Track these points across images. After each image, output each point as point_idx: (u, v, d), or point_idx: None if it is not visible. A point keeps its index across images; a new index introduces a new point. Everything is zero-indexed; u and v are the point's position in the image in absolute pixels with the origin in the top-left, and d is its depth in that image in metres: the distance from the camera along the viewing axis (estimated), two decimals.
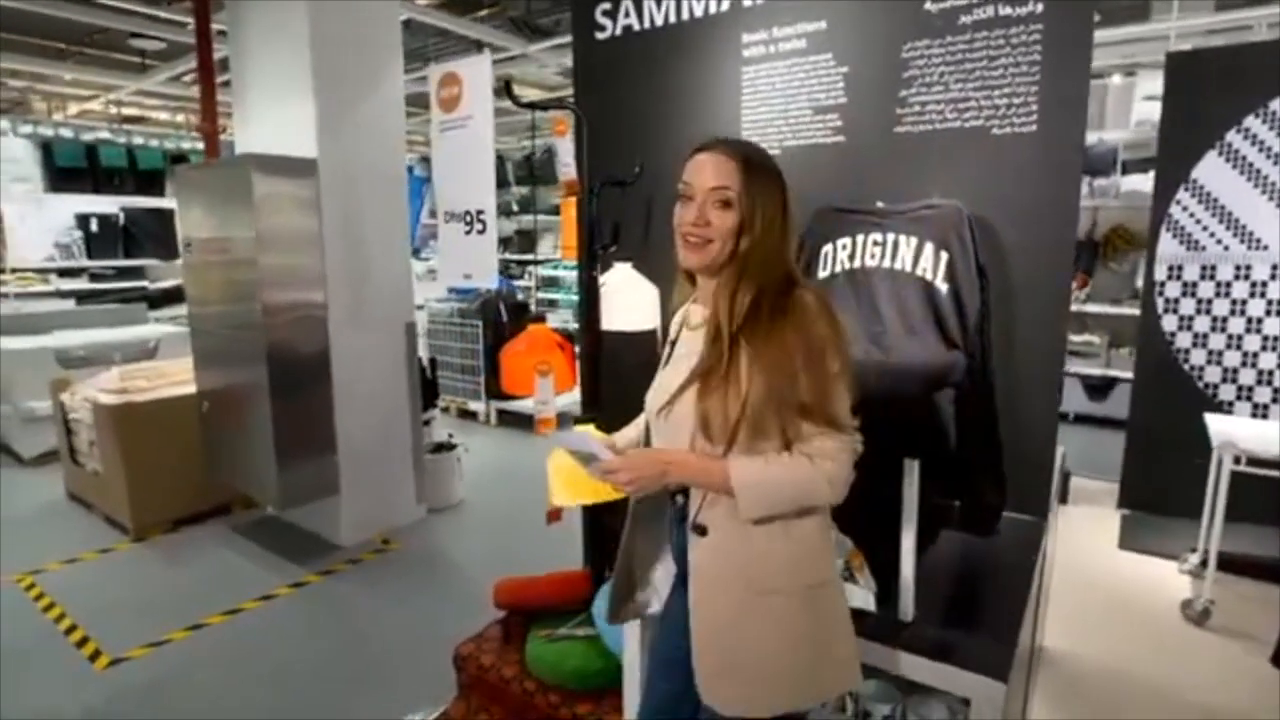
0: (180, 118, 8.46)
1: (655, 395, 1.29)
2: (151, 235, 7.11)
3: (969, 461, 1.70)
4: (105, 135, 7.12)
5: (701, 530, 1.20)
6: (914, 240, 1.72)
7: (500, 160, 8.63)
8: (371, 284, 3.55)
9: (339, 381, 3.44)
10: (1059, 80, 1.71)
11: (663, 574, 1.40)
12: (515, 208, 8.60)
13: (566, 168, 2.06)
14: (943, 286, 1.67)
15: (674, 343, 1.34)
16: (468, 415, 5.97)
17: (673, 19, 2.22)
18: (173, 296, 6.91)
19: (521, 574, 2.60)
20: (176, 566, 3.40)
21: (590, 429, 1.68)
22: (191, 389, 3.70)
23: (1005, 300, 1.77)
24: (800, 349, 1.11)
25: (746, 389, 1.12)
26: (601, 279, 2.11)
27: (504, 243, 8.72)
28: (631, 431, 1.59)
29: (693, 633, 1.21)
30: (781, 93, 2.08)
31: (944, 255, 1.68)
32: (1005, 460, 1.77)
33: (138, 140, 7.24)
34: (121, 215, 6.98)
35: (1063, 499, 3.80)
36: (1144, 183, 4.78)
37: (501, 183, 8.61)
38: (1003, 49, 1.76)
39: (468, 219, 2.08)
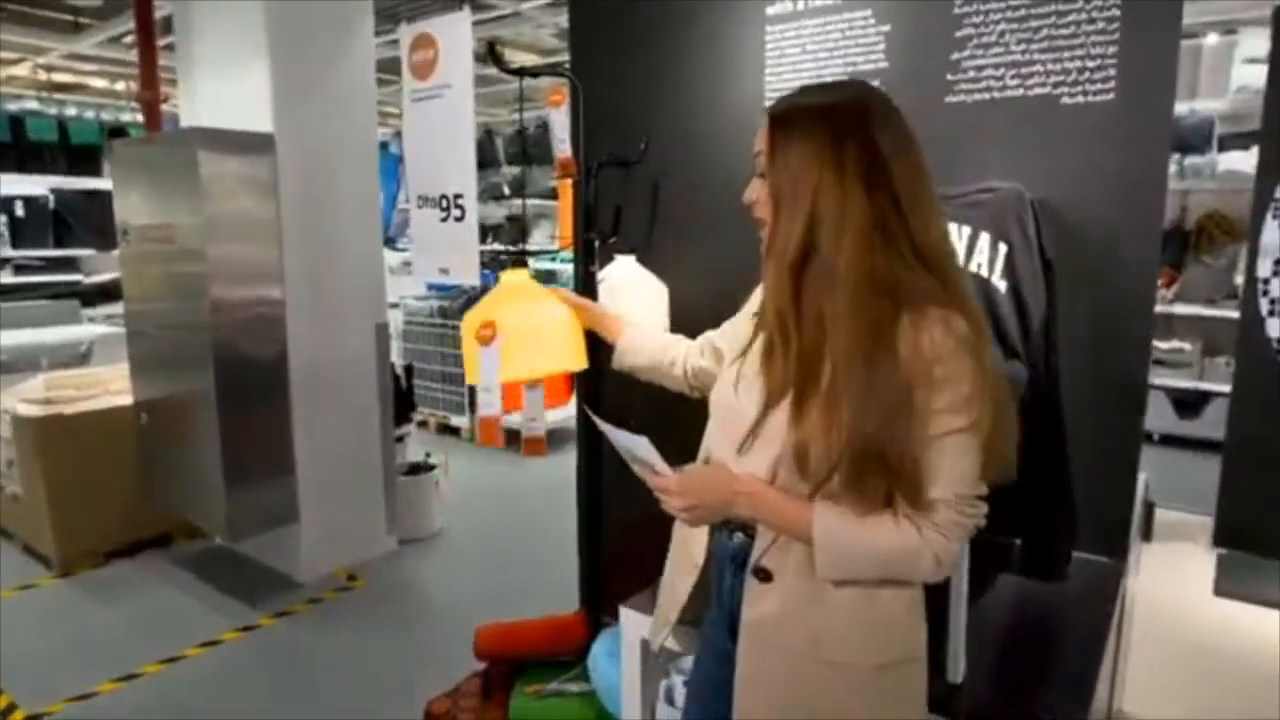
0: (120, 85, 8.55)
1: (727, 389, 1.22)
2: (86, 221, 7.17)
3: (1032, 492, 1.68)
4: (33, 105, 7.21)
5: (765, 575, 1.14)
6: (967, 230, 1.70)
7: (488, 135, 8.68)
8: (337, 278, 3.57)
9: (298, 392, 3.45)
10: (1142, 39, 1.69)
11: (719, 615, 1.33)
12: (506, 191, 8.63)
13: (562, 144, 2.06)
14: (1001, 284, 1.66)
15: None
16: (449, 431, 5.98)
17: None
18: (110, 292, 6.97)
19: (508, 616, 2.59)
20: (107, 606, 3.41)
21: (524, 275, 1.65)
22: (128, 399, 3.72)
23: (1076, 300, 1.75)
24: (902, 389, 1.00)
25: (848, 425, 1.01)
26: (600, 274, 2.11)
27: (492, 231, 8.75)
28: (649, 341, 1.55)
29: (736, 691, 1.18)
30: (812, 56, 2.06)
31: (1002, 247, 1.66)
32: (1077, 490, 1.75)
33: (70, 111, 7.33)
34: (51, 198, 7.05)
35: (1146, 535, 3.74)
36: (1245, 161, 4.74)
37: (490, 162, 8.65)
38: (1074, 2, 1.74)
39: (444, 204, 2.08)
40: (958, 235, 1.73)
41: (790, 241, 1.05)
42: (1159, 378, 5.27)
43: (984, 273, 1.68)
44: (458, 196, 2.07)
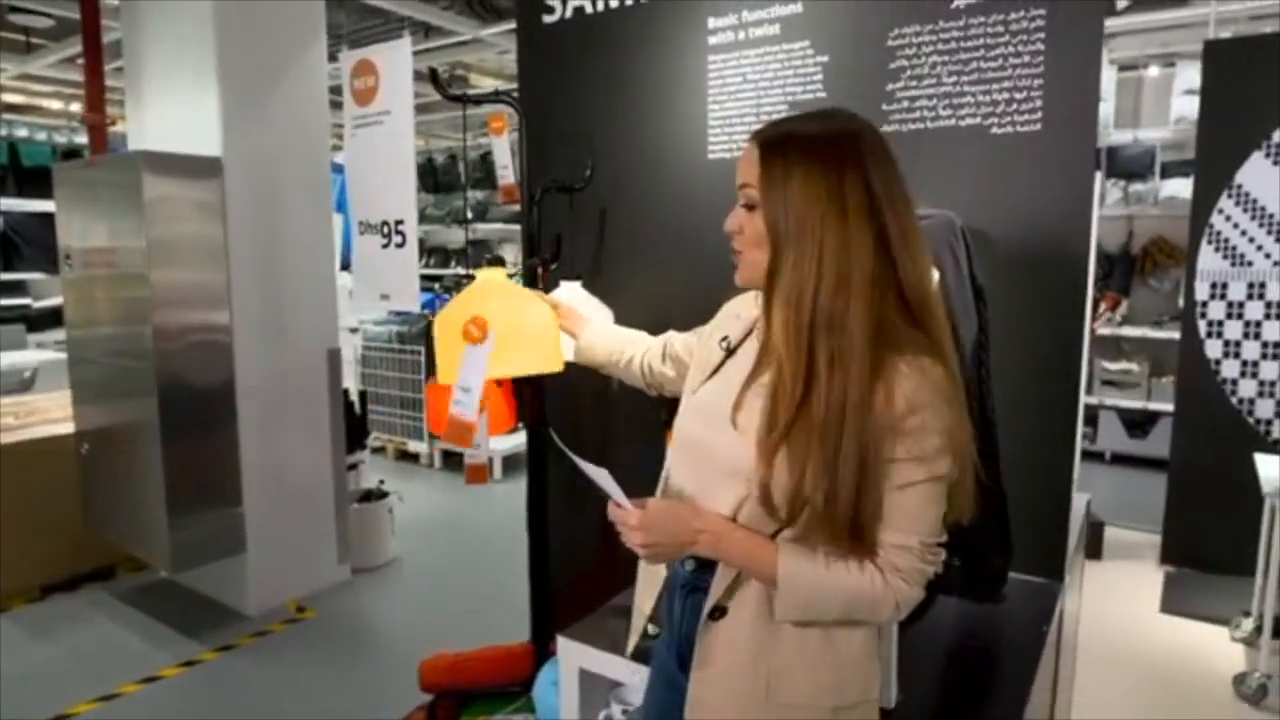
0: (75, 107, 8.42)
1: (692, 420, 1.20)
2: (37, 244, 7.02)
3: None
4: None
5: (719, 613, 1.12)
6: None
7: (452, 160, 8.69)
8: (287, 303, 3.52)
9: (246, 419, 3.39)
10: (1066, 73, 1.74)
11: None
12: (470, 214, 8.62)
13: (504, 171, 2.06)
14: None
15: (732, 351, 1.22)
16: (408, 457, 5.91)
17: (629, 0, 2.25)
18: (59, 317, 6.81)
19: (463, 647, 2.56)
20: (43, 643, 3.30)
21: (501, 274, 1.70)
22: (69, 428, 3.63)
23: (1008, 325, 1.78)
24: (877, 437, 0.99)
25: (827, 471, 1.00)
26: None
27: (456, 255, 8.73)
28: (605, 338, 1.58)
29: None
30: (753, 85, 2.10)
31: (934, 274, 1.69)
32: (1012, 513, 1.77)
33: (21, 132, 7.20)
34: (1, 221, 6.90)
35: (1096, 554, 3.81)
36: (1186, 188, 4.89)
37: (454, 186, 8.66)
38: (1001, 37, 1.79)
39: (385, 230, 2.08)
40: None
41: (803, 283, 1.00)
42: (1110, 398, 5.39)
43: None
44: (399, 223, 2.06)
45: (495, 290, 1.70)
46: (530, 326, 1.67)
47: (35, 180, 7.19)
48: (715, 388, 1.20)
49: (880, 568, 1.02)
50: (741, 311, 1.26)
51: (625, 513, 1.09)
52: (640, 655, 1.51)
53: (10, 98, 7.88)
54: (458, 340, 1.63)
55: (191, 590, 3.69)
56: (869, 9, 1.92)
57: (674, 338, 1.55)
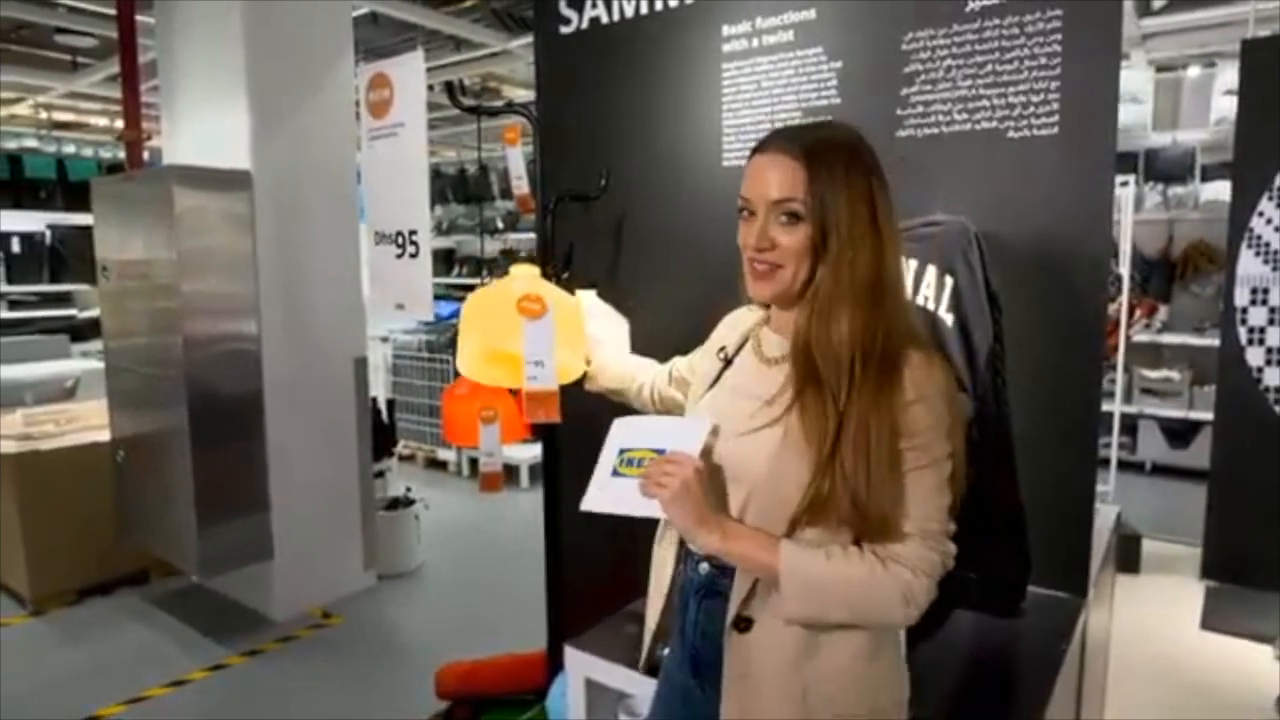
0: (119, 123, 8.67)
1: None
2: (81, 256, 7.24)
3: (985, 526, 1.65)
4: (31, 143, 7.32)
5: (745, 624, 1.10)
6: (914, 263, 1.70)
7: (483, 170, 8.78)
8: (315, 313, 3.58)
9: (274, 427, 3.45)
10: (1083, 74, 1.70)
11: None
12: (500, 224, 8.70)
13: (519, 181, 2.08)
14: (947, 318, 1.65)
15: (729, 362, 1.24)
16: (437, 465, 5.97)
17: (644, 10, 2.25)
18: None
19: (485, 654, 2.57)
20: (77, 645, 3.38)
21: (533, 269, 1.72)
22: (106, 435, 3.72)
23: (1025, 333, 1.74)
24: (898, 422, 1.01)
25: (849, 464, 1.01)
26: None
27: (488, 265, 8.81)
28: (616, 364, 1.65)
29: None
30: (767, 92, 2.09)
31: (949, 281, 1.66)
32: (1033, 525, 1.73)
33: (68, 149, 7.44)
34: (48, 234, 7.13)
35: (1133, 568, 3.70)
36: (1227, 190, 4.74)
37: (484, 196, 8.75)
38: (1017, 39, 1.76)
39: (399, 241, 2.11)
40: (906, 268, 1.73)
41: (842, 291, 1.03)
42: (1149, 407, 5.25)
43: (930, 306, 1.68)
44: (412, 233, 2.09)
45: (529, 284, 1.73)
46: (574, 317, 1.72)
47: (81, 195, 7.41)
48: (715, 397, 1.22)
49: (879, 556, 1.02)
50: (737, 323, 1.28)
51: (681, 463, 1.07)
52: (651, 669, 1.49)
53: (59, 115, 8.15)
54: (482, 328, 1.67)
55: (220, 595, 3.76)
56: (882, 13, 1.90)
57: (677, 362, 1.58)
